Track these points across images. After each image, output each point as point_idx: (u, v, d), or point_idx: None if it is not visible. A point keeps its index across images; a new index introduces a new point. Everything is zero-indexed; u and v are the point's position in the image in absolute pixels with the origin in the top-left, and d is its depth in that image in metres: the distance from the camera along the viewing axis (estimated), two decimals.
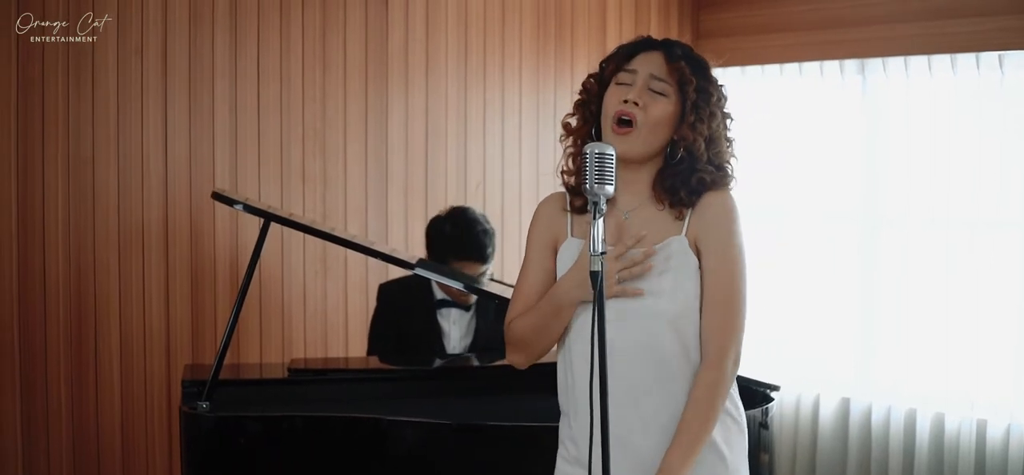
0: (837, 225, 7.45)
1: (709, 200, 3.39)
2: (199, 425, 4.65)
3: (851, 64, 7.25)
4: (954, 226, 6.87)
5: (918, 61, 6.91)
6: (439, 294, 5.78)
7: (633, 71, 3.43)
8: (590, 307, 3.19)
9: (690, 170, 3.39)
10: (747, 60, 7.67)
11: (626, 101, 3.37)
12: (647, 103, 3.37)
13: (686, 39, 7.64)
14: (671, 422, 3.36)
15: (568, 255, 3.47)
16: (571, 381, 3.48)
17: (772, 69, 7.65)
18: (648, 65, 3.42)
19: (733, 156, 3.49)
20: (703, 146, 3.39)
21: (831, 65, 7.34)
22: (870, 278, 7.31)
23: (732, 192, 3.46)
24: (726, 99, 3.49)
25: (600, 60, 3.57)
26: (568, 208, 3.55)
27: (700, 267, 3.37)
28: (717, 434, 3.40)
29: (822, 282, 7.50)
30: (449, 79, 7.01)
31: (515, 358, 3.60)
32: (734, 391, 3.49)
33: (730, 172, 3.48)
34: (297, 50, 6.48)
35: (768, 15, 7.62)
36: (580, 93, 3.57)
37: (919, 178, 7.00)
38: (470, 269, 5.61)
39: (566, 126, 3.57)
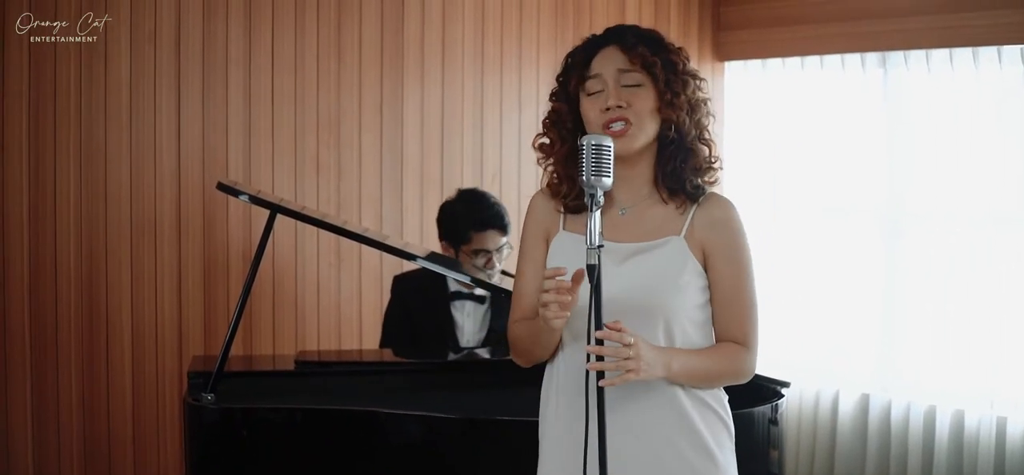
0: (858, 220, 7.39)
1: (715, 210, 3.38)
2: (203, 417, 4.64)
3: (872, 57, 7.20)
4: (976, 222, 6.81)
5: (940, 54, 6.85)
6: (454, 286, 5.77)
7: (597, 75, 3.37)
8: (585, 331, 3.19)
9: (684, 153, 3.36)
10: (768, 53, 7.62)
11: (609, 108, 3.32)
12: (630, 100, 3.32)
13: (706, 32, 7.69)
14: (653, 425, 3.35)
15: (559, 249, 3.44)
16: (555, 391, 3.47)
17: (793, 62, 7.60)
18: (609, 63, 3.37)
19: (710, 116, 3.44)
20: (686, 118, 3.35)
21: (852, 58, 7.29)
22: (890, 274, 7.25)
23: (724, 193, 3.49)
24: (688, 59, 3.43)
25: (557, 74, 3.51)
26: (560, 208, 3.50)
27: (710, 278, 3.37)
28: (708, 436, 3.39)
29: (842, 277, 7.45)
30: (466, 68, 6.98)
31: (517, 360, 3.58)
32: (723, 395, 3.47)
33: (716, 153, 3.44)
34: (312, 39, 6.45)
35: (789, 7, 7.57)
36: (549, 115, 3.50)
37: (940, 173, 6.95)
38: (492, 240, 5.63)
39: (542, 148, 3.51)
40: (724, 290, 3.36)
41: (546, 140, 3.49)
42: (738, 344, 3.38)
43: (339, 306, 6.61)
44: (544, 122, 3.50)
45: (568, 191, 3.43)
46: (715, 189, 3.46)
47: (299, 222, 6.06)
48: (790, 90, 7.59)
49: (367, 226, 6.49)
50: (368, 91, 6.64)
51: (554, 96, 3.50)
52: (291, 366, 5.41)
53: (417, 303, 5.85)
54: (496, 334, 5.78)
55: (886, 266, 7.27)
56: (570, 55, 3.48)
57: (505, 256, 5.67)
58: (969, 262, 6.86)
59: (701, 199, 3.39)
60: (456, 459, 4.57)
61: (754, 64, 7.72)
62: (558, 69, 3.52)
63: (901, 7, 7.00)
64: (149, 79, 6.00)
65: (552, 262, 3.42)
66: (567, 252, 3.37)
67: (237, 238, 6.27)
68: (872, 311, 7.34)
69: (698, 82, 3.41)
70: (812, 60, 7.50)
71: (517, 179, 7.18)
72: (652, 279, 3.32)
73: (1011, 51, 6.55)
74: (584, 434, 3.21)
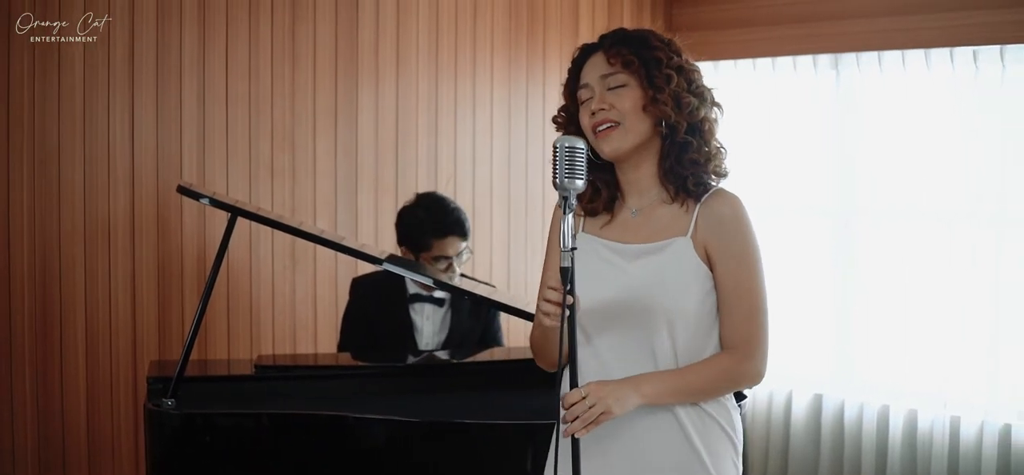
0: (811, 221, 7.44)
1: (719, 207, 3.38)
2: (164, 422, 4.60)
3: (825, 59, 7.24)
4: (927, 221, 6.87)
5: (892, 56, 6.90)
6: (412, 288, 5.76)
7: (586, 84, 3.41)
8: (595, 331, 3.29)
9: (678, 147, 3.37)
10: (720, 55, 7.65)
11: (594, 112, 3.35)
12: (613, 101, 3.34)
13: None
14: (655, 423, 3.36)
15: (580, 252, 3.42)
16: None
17: (745, 64, 7.64)
18: (594, 70, 3.40)
19: (715, 106, 3.47)
20: (672, 112, 3.34)
21: (804, 60, 7.32)
22: (843, 274, 7.30)
23: (734, 189, 3.45)
24: (679, 54, 3.44)
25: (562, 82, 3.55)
26: (581, 212, 3.52)
27: (713, 276, 3.36)
28: (701, 445, 3.38)
29: (794, 278, 7.48)
30: (420, 73, 6.97)
31: (538, 363, 3.60)
32: (730, 407, 3.47)
33: (720, 148, 3.46)
34: (266, 43, 6.43)
35: (741, 10, 7.60)
36: (560, 112, 3.53)
37: (893, 174, 7.00)
38: (452, 246, 5.61)
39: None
40: (726, 290, 3.35)
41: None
42: (734, 351, 3.36)
43: (294, 309, 6.58)
44: (555, 120, 3.54)
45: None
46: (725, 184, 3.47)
47: (253, 225, 6.07)
48: (742, 92, 7.61)
49: (323, 228, 6.47)
50: (322, 95, 6.62)
51: (564, 95, 3.53)
52: (249, 370, 5.38)
53: (376, 305, 5.83)
54: (456, 337, 5.78)
55: (838, 266, 7.31)
56: (571, 64, 3.51)
57: (465, 261, 5.67)
58: (922, 262, 6.91)
59: (706, 196, 3.38)
60: (422, 463, 4.56)
61: (706, 66, 7.72)
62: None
63: (853, 9, 7.05)
64: (103, 81, 5.96)
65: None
66: (586, 254, 3.40)
67: (191, 241, 6.24)
68: (825, 311, 7.38)
69: (687, 75, 3.41)
70: (764, 62, 7.54)
71: (471, 182, 7.17)
72: (654, 281, 3.33)
73: (963, 52, 6.60)
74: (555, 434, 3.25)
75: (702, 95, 3.42)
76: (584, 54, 3.46)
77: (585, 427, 3.19)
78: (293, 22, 6.50)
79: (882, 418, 7.04)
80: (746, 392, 4.94)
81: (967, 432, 6.67)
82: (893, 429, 6.96)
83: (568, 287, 3.11)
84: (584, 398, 3.19)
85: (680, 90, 3.36)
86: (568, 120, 3.47)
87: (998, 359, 6.64)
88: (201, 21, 6.23)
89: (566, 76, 3.50)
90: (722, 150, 3.45)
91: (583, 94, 3.40)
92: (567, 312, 3.15)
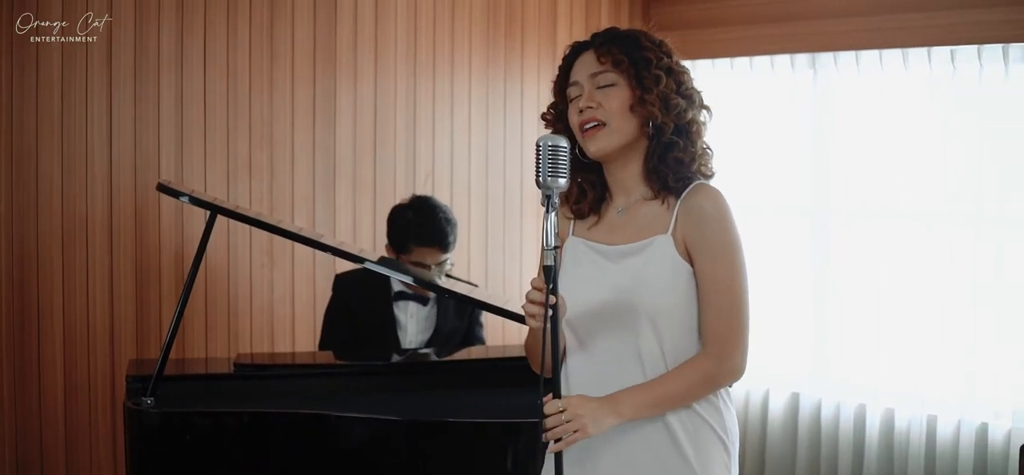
0: (788, 220, 7.44)
1: (698, 200, 3.35)
2: (144, 421, 4.59)
3: (802, 58, 7.25)
4: (904, 221, 6.87)
5: (869, 56, 6.90)
6: (397, 286, 5.75)
7: (575, 82, 3.41)
8: (588, 336, 3.29)
9: (664, 147, 3.36)
10: (698, 54, 7.64)
11: (582, 110, 3.35)
12: (600, 100, 3.34)
13: None
14: (642, 425, 3.35)
15: (570, 253, 3.47)
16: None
17: (723, 63, 7.64)
18: (584, 69, 3.41)
19: (703, 108, 3.46)
20: (659, 113, 3.34)
21: (782, 59, 7.33)
22: (820, 273, 7.30)
23: (716, 185, 3.43)
24: (670, 55, 3.44)
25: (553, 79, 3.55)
26: (570, 214, 3.54)
27: (693, 272, 3.34)
28: (688, 446, 3.37)
29: (771, 277, 7.48)
30: (398, 71, 6.96)
31: (533, 368, 3.54)
32: (722, 408, 3.45)
33: (706, 149, 3.45)
34: (244, 41, 6.42)
35: (719, 9, 7.60)
36: (550, 109, 3.53)
37: (870, 173, 7.01)
38: (431, 256, 5.61)
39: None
40: (705, 284, 3.34)
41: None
42: (710, 352, 3.34)
43: (272, 307, 6.57)
44: (544, 117, 3.54)
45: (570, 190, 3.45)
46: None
47: (231, 223, 6.05)
48: (720, 91, 7.60)
49: (301, 225, 6.46)
50: (300, 92, 6.61)
51: (554, 92, 3.53)
52: (227, 369, 5.37)
53: (359, 302, 5.83)
54: (441, 335, 5.77)
55: (816, 266, 7.32)
56: (559, 66, 3.52)
57: (447, 270, 5.66)
58: (899, 261, 6.91)
59: (685, 192, 3.36)
60: (403, 461, 4.55)
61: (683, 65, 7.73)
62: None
63: (831, 9, 7.05)
64: (80, 80, 5.94)
65: (564, 267, 3.44)
66: (574, 258, 3.42)
67: (169, 240, 6.23)
68: (802, 311, 7.38)
69: (677, 76, 3.40)
70: (742, 61, 7.54)
71: (449, 180, 7.17)
72: (636, 281, 3.32)
73: (940, 52, 6.61)
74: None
75: (691, 97, 3.42)
76: (575, 52, 3.46)
77: (556, 443, 3.19)
78: (271, 20, 6.49)
79: (859, 417, 7.04)
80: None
81: (944, 431, 6.68)
82: (870, 428, 6.97)
83: (551, 286, 3.11)
84: (562, 411, 3.19)
85: (668, 91, 3.36)
86: (557, 117, 3.47)
87: (975, 358, 6.65)
88: (179, 19, 6.21)
89: (557, 73, 3.51)
90: (708, 151, 3.45)
91: (572, 91, 3.41)
92: (549, 311, 3.14)
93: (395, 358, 5.66)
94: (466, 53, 7.20)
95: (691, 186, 3.37)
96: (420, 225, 5.64)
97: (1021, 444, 5.78)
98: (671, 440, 3.36)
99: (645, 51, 3.38)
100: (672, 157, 3.36)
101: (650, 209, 3.39)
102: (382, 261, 5.35)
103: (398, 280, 5.70)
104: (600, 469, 3.39)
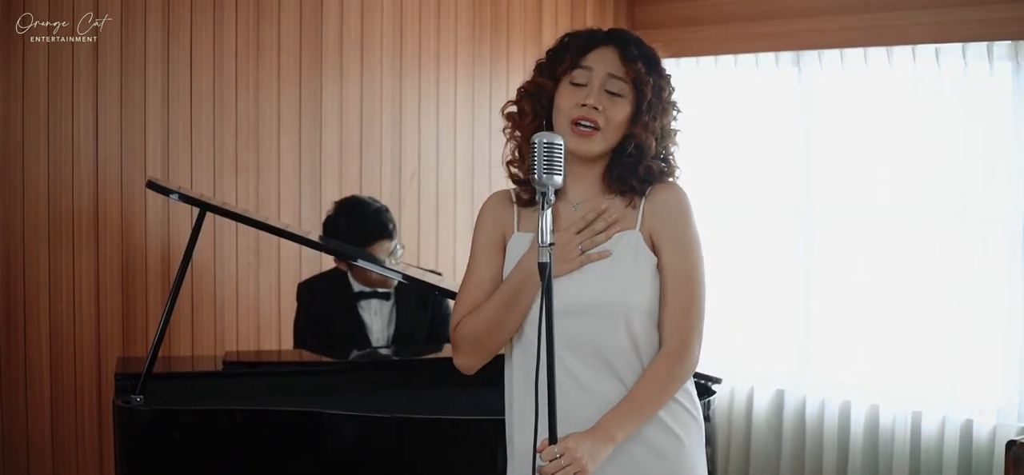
0: (772, 217, 7.46)
1: (662, 195, 3.35)
2: (134, 419, 4.58)
3: (786, 56, 7.26)
4: (889, 218, 6.90)
5: (854, 53, 6.93)
6: (357, 286, 5.73)
7: (589, 68, 3.33)
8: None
9: (637, 161, 3.34)
10: (682, 52, 7.65)
11: (585, 105, 3.29)
12: (606, 106, 3.30)
13: None
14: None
15: (517, 250, 3.41)
16: (523, 378, 3.42)
17: (707, 61, 7.65)
18: (604, 63, 3.33)
19: (675, 145, 3.43)
20: (654, 142, 3.34)
21: (766, 57, 7.34)
22: (805, 270, 7.32)
23: (680, 183, 3.42)
24: (674, 89, 3.43)
25: (549, 49, 3.45)
26: (514, 201, 3.49)
27: (658, 265, 3.33)
28: (672, 423, 3.37)
29: (757, 274, 7.50)
30: (384, 69, 6.96)
31: (464, 361, 3.49)
32: (692, 392, 3.45)
33: (674, 162, 3.43)
34: (230, 39, 6.41)
35: (703, 7, 7.62)
36: (528, 85, 3.44)
37: (855, 170, 7.04)
38: (380, 249, 5.58)
39: (511, 117, 3.46)
40: (666, 276, 3.33)
41: (515, 109, 3.45)
42: (669, 352, 3.32)
43: (259, 305, 6.57)
44: (520, 90, 3.45)
45: (526, 175, 3.41)
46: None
47: (217, 221, 6.05)
48: (704, 89, 7.63)
49: (287, 223, 6.46)
50: (287, 90, 6.60)
51: (539, 70, 3.44)
52: (213, 366, 5.37)
53: (324, 307, 5.80)
54: (404, 329, 5.75)
55: (801, 263, 7.34)
56: (569, 37, 3.43)
57: (399, 257, 5.64)
58: (884, 258, 6.95)
59: (649, 190, 3.36)
60: (392, 458, 4.55)
61: (668, 63, 7.71)
62: (553, 45, 3.46)
63: (815, 7, 7.08)
64: (67, 77, 5.93)
65: (509, 264, 3.40)
66: (524, 252, 3.37)
67: (156, 237, 6.22)
68: (786, 308, 7.40)
69: (672, 108, 3.41)
70: (726, 59, 7.56)
71: (435, 178, 7.17)
72: (608, 278, 3.30)
73: (925, 50, 6.65)
74: (534, 429, 3.21)
75: (676, 133, 3.43)
76: (595, 40, 3.38)
77: None
78: (258, 18, 6.49)
79: (843, 414, 7.07)
80: (714, 388, 4.98)
81: (928, 428, 6.71)
82: (855, 425, 6.99)
83: (545, 281, 3.09)
84: (559, 457, 3.15)
85: (665, 123, 3.37)
86: (536, 97, 3.40)
87: (959, 355, 6.68)
88: (165, 17, 6.20)
89: (558, 45, 3.43)
90: (673, 155, 3.43)
91: (580, 76, 3.33)
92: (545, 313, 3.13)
93: (383, 354, 5.67)
94: (452, 52, 7.20)
95: (655, 183, 3.37)
96: (357, 226, 5.61)
97: (1007, 440, 5.79)
98: (664, 425, 3.36)
99: (661, 79, 3.37)
100: (643, 166, 3.34)
101: (613, 207, 3.35)
102: (369, 257, 5.36)
103: (356, 277, 5.69)
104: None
